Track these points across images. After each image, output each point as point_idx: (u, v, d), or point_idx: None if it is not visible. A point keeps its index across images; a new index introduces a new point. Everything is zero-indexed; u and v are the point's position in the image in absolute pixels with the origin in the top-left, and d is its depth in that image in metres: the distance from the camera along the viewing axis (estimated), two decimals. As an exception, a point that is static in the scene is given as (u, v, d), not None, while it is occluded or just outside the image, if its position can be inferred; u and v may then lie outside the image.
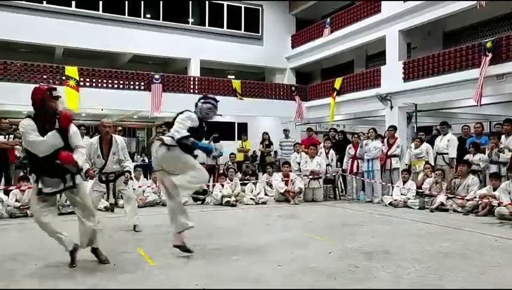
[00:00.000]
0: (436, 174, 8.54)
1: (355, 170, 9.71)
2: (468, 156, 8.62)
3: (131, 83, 15.27)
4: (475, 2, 10.82)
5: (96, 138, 6.00)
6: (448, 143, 9.21)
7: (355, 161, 9.71)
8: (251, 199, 9.24)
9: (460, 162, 8.45)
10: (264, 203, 9.22)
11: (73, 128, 4.09)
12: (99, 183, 5.88)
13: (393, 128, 10.06)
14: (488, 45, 10.75)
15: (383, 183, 9.39)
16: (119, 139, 5.97)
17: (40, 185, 3.98)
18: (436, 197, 8.13)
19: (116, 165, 5.94)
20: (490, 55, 10.58)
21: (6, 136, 8.43)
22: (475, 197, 7.56)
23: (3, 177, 8.43)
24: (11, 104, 14.27)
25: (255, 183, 9.71)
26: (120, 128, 12.93)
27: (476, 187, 7.89)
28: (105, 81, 14.89)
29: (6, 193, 7.62)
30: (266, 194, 10.22)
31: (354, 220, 7.01)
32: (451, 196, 7.99)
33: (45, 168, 3.94)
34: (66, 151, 3.88)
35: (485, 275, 3.85)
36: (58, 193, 4.23)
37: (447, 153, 9.19)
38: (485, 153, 8.32)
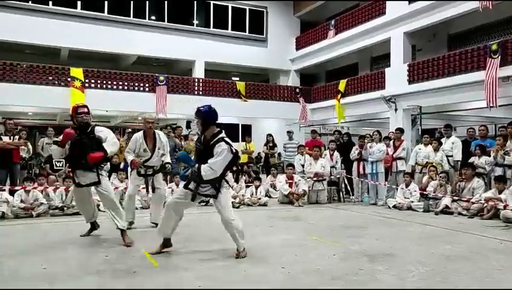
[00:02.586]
0: (440, 176, 8.50)
1: (361, 171, 9.69)
2: (473, 159, 8.57)
3: (136, 84, 15.34)
4: (479, 2, 10.78)
5: (140, 133, 6.34)
6: (452, 146, 9.17)
7: (361, 163, 9.70)
8: (252, 201, 9.23)
9: (465, 165, 8.40)
10: (265, 205, 9.20)
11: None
12: (138, 177, 6.21)
13: (400, 130, 10.04)
14: (494, 47, 10.71)
15: (388, 185, 9.37)
16: (162, 135, 6.34)
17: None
18: (441, 200, 8.09)
19: (159, 160, 6.29)
20: (495, 57, 10.55)
21: (12, 137, 8.49)
22: (480, 200, 7.52)
23: (8, 177, 8.47)
24: (16, 105, 14.37)
25: (257, 187, 9.68)
26: (130, 129, 12.98)
27: (481, 190, 7.85)
28: (110, 82, 14.96)
29: (12, 193, 7.65)
30: (270, 196, 10.23)
31: (357, 223, 6.99)
32: (457, 198, 7.94)
33: None
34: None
35: (489, 278, 3.83)
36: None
37: (451, 156, 9.15)
38: (490, 156, 8.27)
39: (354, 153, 9.80)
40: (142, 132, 6.34)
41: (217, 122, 4.58)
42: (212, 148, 4.40)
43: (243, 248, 4.60)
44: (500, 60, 10.53)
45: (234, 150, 4.49)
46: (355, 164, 9.85)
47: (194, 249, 4.88)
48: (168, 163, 6.38)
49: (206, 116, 4.52)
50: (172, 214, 4.60)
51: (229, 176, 4.67)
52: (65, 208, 7.61)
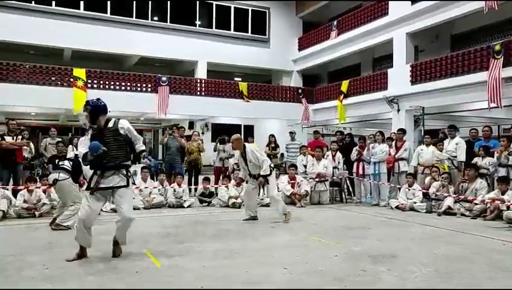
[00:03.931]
0: (443, 177, 8.47)
1: (360, 172, 9.67)
2: (476, 160, 8.54)
3: (139, 85, 15.36)
4: (484, 3, 10.74)
5: (238, 152, 7.57)
6: (456, 146, 9.12)
7: (361, 163, 9.68)
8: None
9: (468, 166, 8.37)
10: (267, 205, 9.19)
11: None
12: (251, 180, 7.25)
13: (402, 131, 10.02)
14: (497, 47, 10.68)
15: (391, 185, 9.34)
16: (249, 149, 7.08)
17: None
18: (444, 201, 8.06)
19: (258, 169, 7.06)
20: (498, 58, 10.51)
21: (14, 137, 8.52)
22: (483, 201, 7.48)
23: (11, 177, 8.50)
24: (20, 105, 14.42)
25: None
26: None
27: (484, 191, 7.81)
28: (112, 83, 14.99)
29: (14, 193, 7.67)
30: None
31: (360, 223, 6.98)
32: (462, 198, 7.90)
33: None
34: None
35: (491, 279, 3.82)
36: None
37: (455, 157, 9.11)
38: (493, 157, 8.24)
39: (353, 154, 9.79)
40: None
41: (107, 112, 4.62)
42: (107, 130, 4.46)
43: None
44: (503, 60, 10.50)
45: None
46: (355, 165, 9.84)
47: (195, 249, 4.88)
48: (262, 176, 7.06)
49: (95, 108, 4.54)
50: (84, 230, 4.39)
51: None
52: (67, 208, 7.60)
